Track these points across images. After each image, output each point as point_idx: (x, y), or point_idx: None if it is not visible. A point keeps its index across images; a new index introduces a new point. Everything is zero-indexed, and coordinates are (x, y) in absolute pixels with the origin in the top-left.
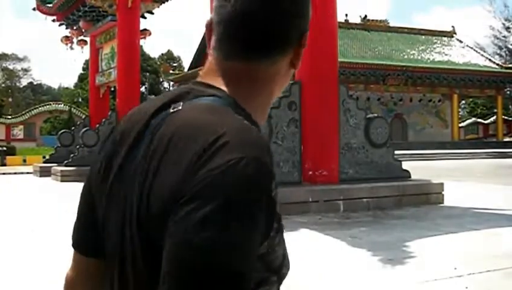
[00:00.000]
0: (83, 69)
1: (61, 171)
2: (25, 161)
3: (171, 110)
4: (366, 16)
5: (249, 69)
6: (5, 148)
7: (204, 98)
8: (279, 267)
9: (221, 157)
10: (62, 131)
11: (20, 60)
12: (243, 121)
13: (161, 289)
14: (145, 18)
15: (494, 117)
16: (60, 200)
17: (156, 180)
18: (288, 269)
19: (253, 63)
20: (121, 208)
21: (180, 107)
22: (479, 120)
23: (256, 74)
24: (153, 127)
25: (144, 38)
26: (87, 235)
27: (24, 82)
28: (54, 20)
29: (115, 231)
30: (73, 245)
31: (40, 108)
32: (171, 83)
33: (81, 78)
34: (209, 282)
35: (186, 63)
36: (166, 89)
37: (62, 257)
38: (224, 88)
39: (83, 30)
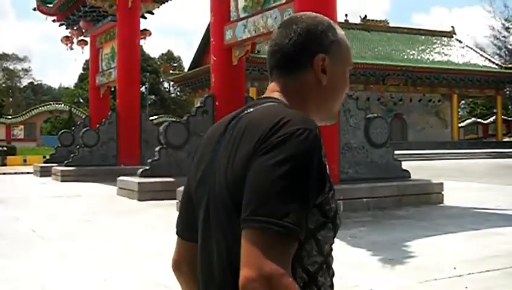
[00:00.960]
0: (83, 69)
1: (62, 171)
2: (25, 160)
3: (243, 113)
4: (366, 16)
5: (283, 85)
6: (5, 148)
7: (265, 103)
8: (334, 217)
9: (286, 128)
10: (62, 131)
11: (20, 60)
12: (295, 110)
13: (243, 213)
14: (145, 18)
15: (494, 117)
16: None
17: (237, 153)
18: (340, 221)
19: (281, 80)
20: (209, 183)
21: (251, 110)
22: (479, 120)
23: (288, 88)
24: (232, 126)
25: (144, 38)
26: (185, 222)
27: (24, 82)
28: (54, 21)
29: (203, 201)
30: (177, 232)
31: (40, 108)
32: (171, 83)
33: (82, 78)
34: (273, 200)
35: (186, 63)
36: (166, 89)
37: None
38: (279, 98)
39: (83, 30)
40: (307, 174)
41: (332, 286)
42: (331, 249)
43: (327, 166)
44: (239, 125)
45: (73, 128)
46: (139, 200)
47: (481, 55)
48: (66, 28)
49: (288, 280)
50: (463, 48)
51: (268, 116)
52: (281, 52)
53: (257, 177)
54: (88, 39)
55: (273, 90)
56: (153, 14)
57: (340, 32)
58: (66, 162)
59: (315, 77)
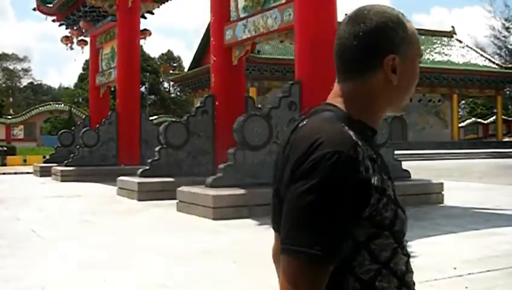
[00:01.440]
0: (83, 69)
1: (62, 171)
2: (25, 160)
3: (300, 124)
4: None
5: (349, 88)
6: (5, 148)
7: (321, 113)
8: (390, 225)
9: (318, 152)
10: (62, 131)
11: (20, 60)
12: (338, 126)
13: (282, 226)
14: (145, 18)
15: (494, 117)
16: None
17: (284, 173)
18: (400, 227)
19: (348, 83)
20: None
21: (305, 122)
22: (479, 120)
23: (355, 92)
24: (291, 138)
25: (144, 38)
26: (274, 215)
27: (24, 82)
28: (54, 20)
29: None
30: (272, 225)
31: (40, 108)
32: (171, 83)
33: (81, 78)
34: (303, 229)
35: (186, 63)
36: (166, 89)
37: None
38: (339, 105)
39: (83, 30)
40: (337, 198)
41: (403, 286)
42: (395, 253)
43: (375, 177)
44: (291, 140)
45: (73, 128)
46: (139, 200)
47: (481, 55)
48: (66, 28)
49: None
50: (463, 47)
51: (310, 134)
52: (347, 53)
53: (288, 205)
54: (88, 39)
55: (336, 94)
56: (153, 14)
57: (410, 26)
58: (66, 162)
59: (384, 78)
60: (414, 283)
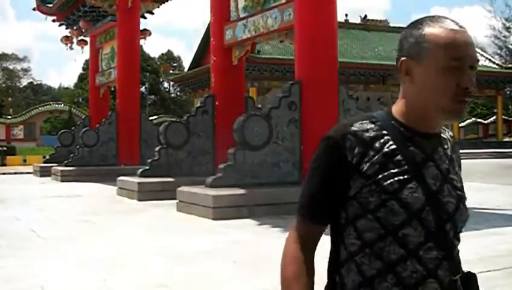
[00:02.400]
0: (83, 69)
1: (62, 171)
2: (25, 160)
3: None
4: (366, 16)
5: (399, 92)
6: (5, 148)
7: (373, 112)
8: (373, 210)
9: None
10: (62, 131)
11: (20, 60)
12: (354, 119)
13: None
14: (145, 18)
15: (494, 117)
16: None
17: None
18: (387, 217)
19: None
20: None
21: None
22: (479, 120)
23: (400, 92)
24: None
25: (144, 38)
26: None
27: (24, 82)
28: (54, 20)
29: None
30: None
31: (40, 108)
32: (171, 83)
33: (81, 78)
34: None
35: (186, 63)
36: (166, 89)
37: None
38: (393, 107)
39: (83, 30)
40: (318, 172)
41: (389, 273)
42: (383, 239)
43: (365, 165)
44: None
45: (73, 128)
46: (139, 200)
47: (481, 55)
48: (66, 28)
49: (291, 235)
50: None
51: None
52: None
53: None
54: (88, 39)
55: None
56: (153, 14)
57: (428, 30)
58: (65, 162)
59: (405, 80)
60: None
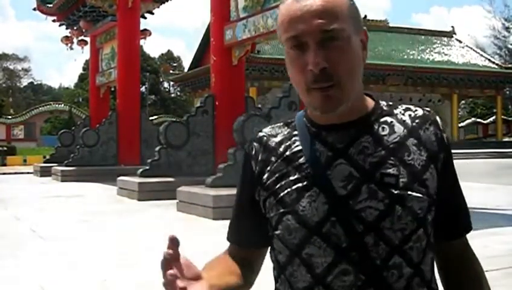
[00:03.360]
0: (83, 69)
1: (62, 171)
2: (25, 161)
3: None
4: (365, 16)
5: None
6: (5, 148)
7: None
8: (275, 228)
9: None
10: (62, 131)
11: (20, 60)
12: (271, 125)
13: None
14: (145, 18)
15: (494, 117)
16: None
17: None
18: (287, 235)
19: None
20: None
21: None
22: (479, 120)
23: None
24: None
25: (144, 38)
26: None
27: (24, 82)
28: (54, 20)
29: None
30: None
31: (40, 108)
32: (171, 83)
33: (82, 78)
34: None
35: (186, 63)
36: (166, 89)
37: None
38: None
39: (83, 30)
40: (239, 182)
41: None
42: (291, 263)
43: (266, 175)
44: None
45: (73, 128)
46: (139, 200)
47: (481, 55)
48: (66, 28)
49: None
50: (463, 47)
51: None
52: None
53: None
54: (88, 39)
55: None
56: (153, 14)
57: (281, 5)
58: (66, 162)
59: None
60: None
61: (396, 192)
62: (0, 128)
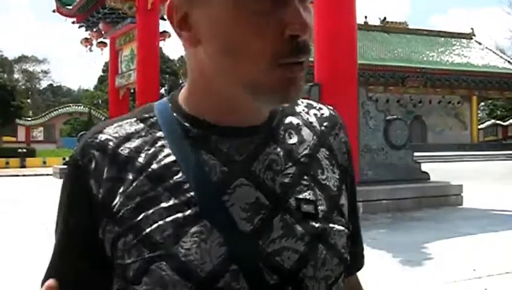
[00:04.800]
0: (103, 71)
1: None
2: (44, 162)
3: None
4: (385, 18)
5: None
6: (24, 150)
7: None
8: (134, 281)
9: None
10: (82, 133)
11: (39, 62)
12: (112, 120)
13: None
14: (164, 20)
15: None
16: None
17: None
18: None
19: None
20: None
21: None
22: (498, 122)
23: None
24: None
25: (164, 40)
26: None
27: (44, 84)
28: (73, 22)
29: None
30: None
31: (59, 110)
32: None
33: (101, 80)
34: None
35: None
36: None
37: None
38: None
39: (103, 32)
40: (59, 217)
41: None
42: None
43: (118, 199)
44: None
45: None
46: None
47: (501, 57)
48: (86, 30)
49: None
50: (482, 49)
51: None
52: None
53: None
54: (107, 41)
55: None
56: None
57: None
58: None
59: (183, 38)
60: None
61: (317, 225)
62: (19, 130)
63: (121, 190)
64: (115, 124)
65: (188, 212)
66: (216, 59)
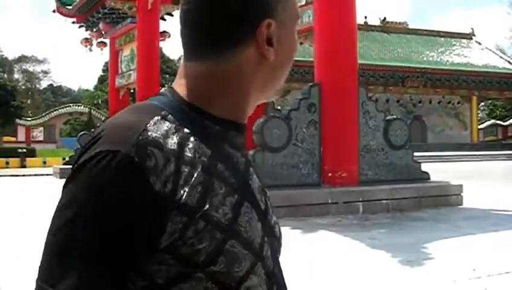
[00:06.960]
0: (103, 71)
1: None
2: (45, 162)
3: None
4: (385, 18)
5: (200, 68)
6: (24, 150)
7: (146, 101)
8: (206, 263)
9: (90, 151)
10: (82, 133)
11: (39, 62)
12: (135, 119)
13: None
14: (164, 20)
15: None
16: None
17: None
18: (229, 268)
19: (201, 62)
20: None
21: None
22: (498, 122)
23: (210, 72)
24: None
25: (164, 40)
26: None
27: (44, 84)
28: (73, 22)
29: None
30: None
31: (59, 110)
32: None
33: (101, 80)
34: (51, 259)
35: None
36: None
37: None
38: (180, 89)
39: (103, 32)
40: (99, 220)
41: None
42: None
43: (184, 192)
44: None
45: (92, 130)
46: None
47: (501, 57)
48: (86, 30)
49: None
50: (482, 50)
51: (100, 128)
52: (200, 22)
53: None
54: (107, 41)
55: (181, 76)
56: (172, 16)
57: None
58: None
59: (256, 53)
60: None
61: (270, 208)
62: (19, 130)
63: (181, 183)
64: (152, 122)
65: (236, 196)
66: (278, 72)
